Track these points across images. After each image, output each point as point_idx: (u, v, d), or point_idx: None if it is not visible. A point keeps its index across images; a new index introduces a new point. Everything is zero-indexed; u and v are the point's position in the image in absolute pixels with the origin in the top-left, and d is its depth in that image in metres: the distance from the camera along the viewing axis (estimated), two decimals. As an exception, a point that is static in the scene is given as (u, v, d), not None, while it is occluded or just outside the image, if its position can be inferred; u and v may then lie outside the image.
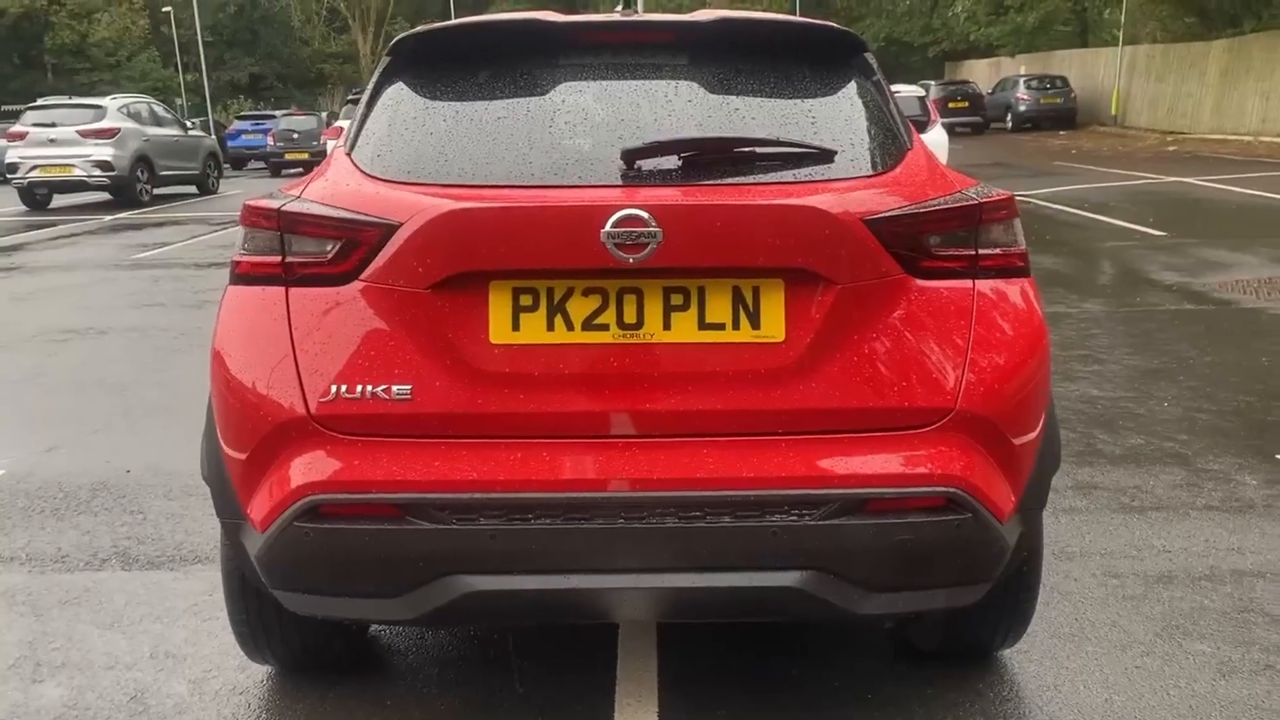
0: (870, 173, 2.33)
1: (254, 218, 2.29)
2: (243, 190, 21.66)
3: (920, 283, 2.23)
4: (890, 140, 2.45)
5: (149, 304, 8.69)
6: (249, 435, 2.24)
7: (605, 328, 2.17)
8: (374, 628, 3.04)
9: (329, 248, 2.23)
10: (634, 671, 2.83)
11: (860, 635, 3.03)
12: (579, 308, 2.16)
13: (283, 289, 2.25)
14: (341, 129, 17.12)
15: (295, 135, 26.93)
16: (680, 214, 2.13)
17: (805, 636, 3.03)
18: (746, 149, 2.31)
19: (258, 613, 2.62)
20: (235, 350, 2.29)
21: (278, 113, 31.29)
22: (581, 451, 2.17)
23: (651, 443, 2.17)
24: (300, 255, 2.25)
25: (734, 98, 2.44)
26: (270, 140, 27.48)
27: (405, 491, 2.14)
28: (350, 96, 18.31)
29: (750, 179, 2.27)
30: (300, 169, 26.97)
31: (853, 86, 2.53)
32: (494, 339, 2.17)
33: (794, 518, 2.13)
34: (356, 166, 2.37)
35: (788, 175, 2.28)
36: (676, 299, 2.17)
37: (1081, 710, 2.66)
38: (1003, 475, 2.25)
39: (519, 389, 2.16)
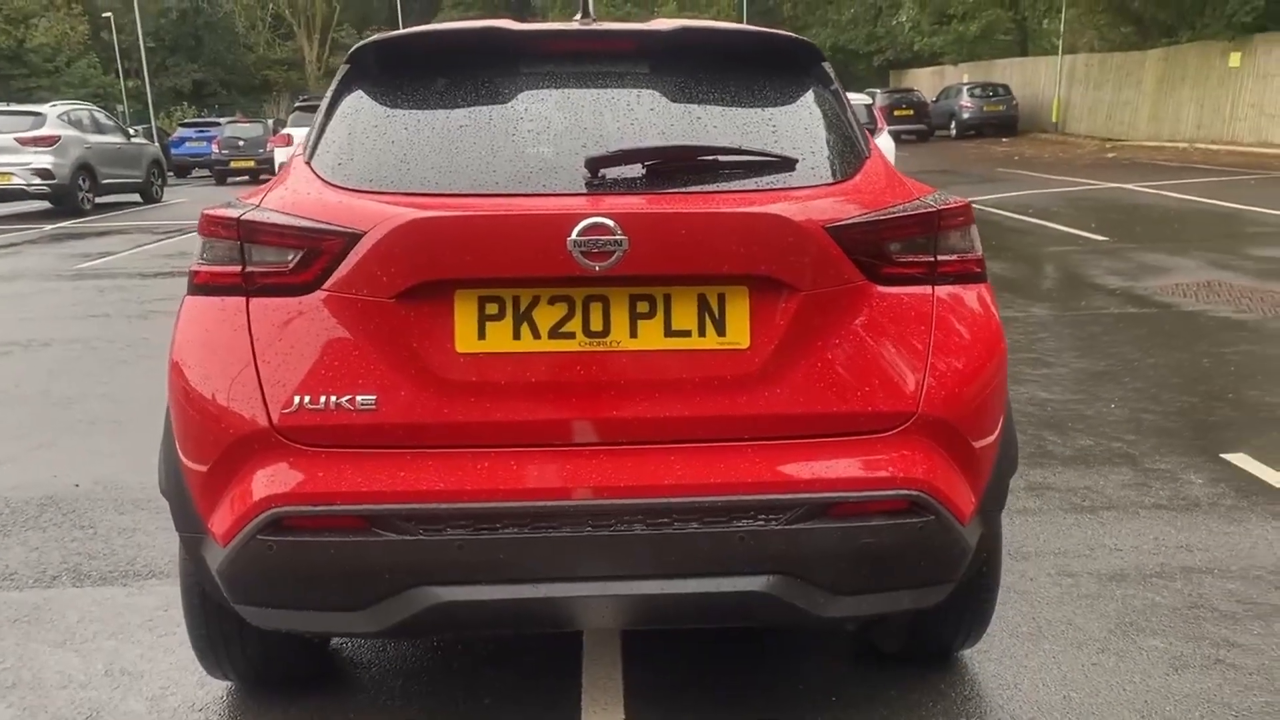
0: (831, 180, 2.35)
1: (213, 227, 2.26)
2: (188, 199, 21.35)
3: (881, 289, 2.26)
4: (849, 148, 2.48)
5: (93, 315, 8.52)
6: (209, 448, 2.21)
7: (571, 336, 2.17)
8: (335, 640, 3.01)
9: (290, 257, 2.20)
10: (599, 679, 2.83)
11: (823, 638, 3.06)
12: (545, 316, 2.16)
13: (243, 299, 2.22)
14: (289, 136, 16.98)
15: (241, 143, 26.56)
16: (646, 222, 2.14)
17: (768, 640, 3.05)
18: (709, 157, 2.33)
19: (218, 627, 2.58)
20: (194, 361, 2.26)
21: (222, 120, 30.87)
22: (548, 460, 2.17)
23: (619, 450, 2.17)
24: (261, 265, 2.22)
25: (695, 106, 2.45)
26: (215, 148, 27.06)
27: (370, 503, 2.12)
28: (298, 104, 18.08)
29: (714, 187, 2.29)
30: (246, 177, 26.60)
31: (812, 95, 2.55)
32: (460, 348, 2.16)
33: (760, 523, 2.14)
34: (317, 175, 2.34)
35: (750, 183, 2.30)
36: (643, 306, 2.18)
37: (1041, 707, 2.71)
38: (963, 478, 2.29)
39: (485, 398, 2.16)
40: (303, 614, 2.26)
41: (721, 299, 2.19)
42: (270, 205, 2.28)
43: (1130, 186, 16.74)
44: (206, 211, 2.29)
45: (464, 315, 2.16)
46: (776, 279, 2.18)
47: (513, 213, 2.17)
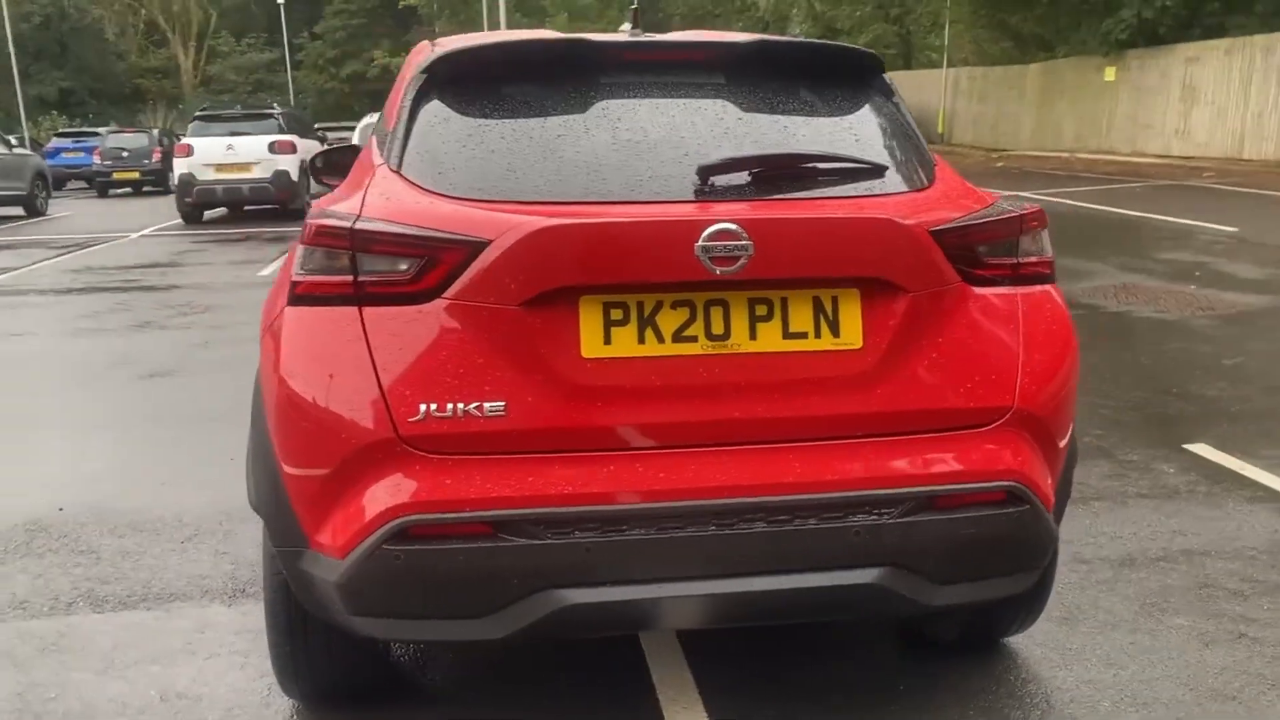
0: (919, 187, 2.47)
1: (321, 237, 2.23)
2: (73, 211, 20.44)
3: (976, 290, 2.37)
4: (923, 156, 2.60)
5: (16, 334, 8.12)
6: (325, 459, 2.18)
7: (694, 339, 2.22)
8: (396, 649, 2.98)
9: (405, 266, 2.19)
10: (669, 678, 2.87)
11: (873, 630, 3.16)
12: (668, 320, 2.21)
13: (355, 308, 2.20)
14: (189, 146, 16.44)
15: (125, 153, 25.54)
16: (769, 227, 2.21)
17: (820, 634, 3.13)
18: (810, 165, 2.41)
19: (303, 642, 2.54)
20: (307, 372, 2.22)
21: (103, 129, 29.58)
22: (673, 462, 2.20)
23: (740, 450, 2.23)
24: (374, 274, 2.20)
25: (780, 116, 2.53)
26: (96, 158, 25.92)
27: (498, 508, 2.13)
28: (198, 114, 17.49)
29: (817, 193, 2.37)
30: (129, 189, 25.62)
31: (881, 105, 2.66)
32: (586, 353, 2.18)
33: (875, 517, 2.23)
34: (415, 184, 2.33)
35: (848, 190, 2.39)
36: (761, 309, 2.24)
37: (1096, 685, 2.85)
38: (1047, 468, 2.42)
39: (611, 402, 2.19)
40: (426, 623, 2.25)
41: (835, 301, 2.27)
42: (375, 215, 2.26)
43: (1025, 194, 17.45)
44: (314, 221, 2.25)
45: (589, 321, 2.19)
46: (887, 281, 2.27)
47: (641, 219, 2.21)
